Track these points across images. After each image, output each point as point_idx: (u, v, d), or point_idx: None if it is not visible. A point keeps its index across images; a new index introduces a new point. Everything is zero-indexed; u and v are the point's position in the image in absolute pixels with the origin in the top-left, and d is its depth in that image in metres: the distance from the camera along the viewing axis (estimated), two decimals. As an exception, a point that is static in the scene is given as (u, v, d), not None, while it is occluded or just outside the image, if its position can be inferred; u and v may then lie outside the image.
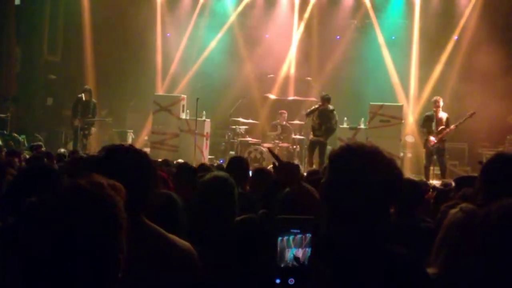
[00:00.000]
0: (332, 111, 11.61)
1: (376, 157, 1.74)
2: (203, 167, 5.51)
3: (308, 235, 1.59)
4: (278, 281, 1.57)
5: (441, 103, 10.92)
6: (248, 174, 5.24)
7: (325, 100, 11.52)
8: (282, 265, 1.57)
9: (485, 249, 1.72)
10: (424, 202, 4.44)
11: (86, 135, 12.81)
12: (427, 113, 11.19)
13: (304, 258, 1.58)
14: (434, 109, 10.94)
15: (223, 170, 5.30)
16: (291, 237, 1.59)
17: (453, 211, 2.36)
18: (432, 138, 10.88)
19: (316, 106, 11.70)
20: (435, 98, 11.15)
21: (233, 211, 3.03)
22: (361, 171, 1.70)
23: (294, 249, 1.58)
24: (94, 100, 13.03)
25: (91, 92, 13.00)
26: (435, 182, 9.76)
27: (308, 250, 1.59)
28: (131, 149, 2.19)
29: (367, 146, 1.81)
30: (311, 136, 11.75)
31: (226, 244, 2.72)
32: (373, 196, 1.69)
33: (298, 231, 1.60)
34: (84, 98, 12.80)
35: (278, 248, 1.58)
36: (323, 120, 11.53)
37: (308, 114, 11.85)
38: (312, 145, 11.59)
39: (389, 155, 1.79)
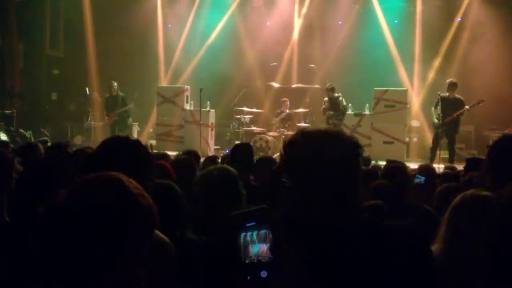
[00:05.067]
0: (338, 97, 12.16)
1: (329, 137, 1.71)
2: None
3: (266, 231, 1.57)
4: (249, 277, 1.55)
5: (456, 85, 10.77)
6: (253, 161, 5.20)
7: (329, 90, 12.17)
8: (247, 261, 1.55)
9: (496, 232, 1.71)
10: (414, 186, 4.42)
11: (121, 129, 12.96)
12: (442, 94, 10.96)
13: (268, 252, 1.56)
14: (449, 91, 10.77)
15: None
16: (254, 233, 1.56)
17: (463, 193, 2.35)
18: (436, 121, 10.75)
19: (326, 99, 12.27)
20: (451, 80, 10.97)
21: (237, 203, 3.05)
22: (314, 152, 1.66)
23: (258, 244, 1.56)
24: (121, 93, 13.15)
25: (116, 86, 13.08)
26: (441, 166, 9.74)
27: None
28: (123, 141, 2.25)
29: (321, 129, 1.79)
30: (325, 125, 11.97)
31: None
32: (330, 174, 1.64)
33: (254, 223, 1.57)
34: (112, 94, 13.08)
35: (242, 244, 1.55)
36: (333, 108, 12.13)
37: (324, 112, 12.30)
38: None
39: (345, 135, 1.75)
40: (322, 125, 12.65)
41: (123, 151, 2.17)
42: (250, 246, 1.56)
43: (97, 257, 1.37)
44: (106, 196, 1.40)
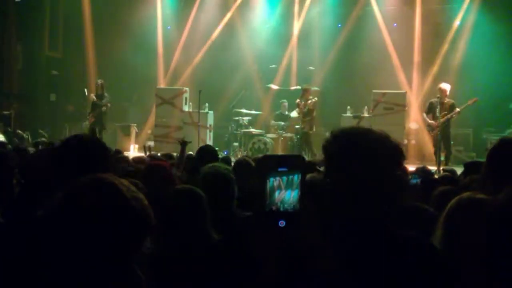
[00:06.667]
0: (307, 99, 12.16)
1: (366, 136, 1.71)
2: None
3: (297, 177, 1.52)
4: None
5: (448, 90, 10.74)
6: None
7: (307, 92, 12.24)
8: (273, 208, 1.50)
9: (492, 235, 1.71)
10: (411, 188, 4.39)
11: (100, 130, 12.85)
12: (431, 100, 11.06)
13: (294, 200, 1.51)
14: (439, 95, 10.77)
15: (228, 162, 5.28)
16: (283, 178, 1.51)
17: (459, 196, 2.35)
18: (432, 122, 10.78)
19: (303, 102, 12.19)
20: (441, 85, 10.99)
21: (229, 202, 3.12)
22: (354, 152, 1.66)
23: (285, 191, 1.51)
24: (106, 94, 12.93)
25: (99, 85, 12.88)
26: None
27: (297, 192, 1.52)
28: (79, 140, 2.28)
29: (358, 128, 1.79)
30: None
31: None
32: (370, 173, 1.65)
33: (286, 169, 1.52)
34: (97, 92, 12.88)
35: (268, 190, 1.50)
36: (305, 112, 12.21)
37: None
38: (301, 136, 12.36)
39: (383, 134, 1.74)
40: (320, 128, 12.68)
41: (79, 149, 2.21)
42: (277, 192, 1.51)
43: (93, 260, 1.38)
44: (98, 200, 1.39)
